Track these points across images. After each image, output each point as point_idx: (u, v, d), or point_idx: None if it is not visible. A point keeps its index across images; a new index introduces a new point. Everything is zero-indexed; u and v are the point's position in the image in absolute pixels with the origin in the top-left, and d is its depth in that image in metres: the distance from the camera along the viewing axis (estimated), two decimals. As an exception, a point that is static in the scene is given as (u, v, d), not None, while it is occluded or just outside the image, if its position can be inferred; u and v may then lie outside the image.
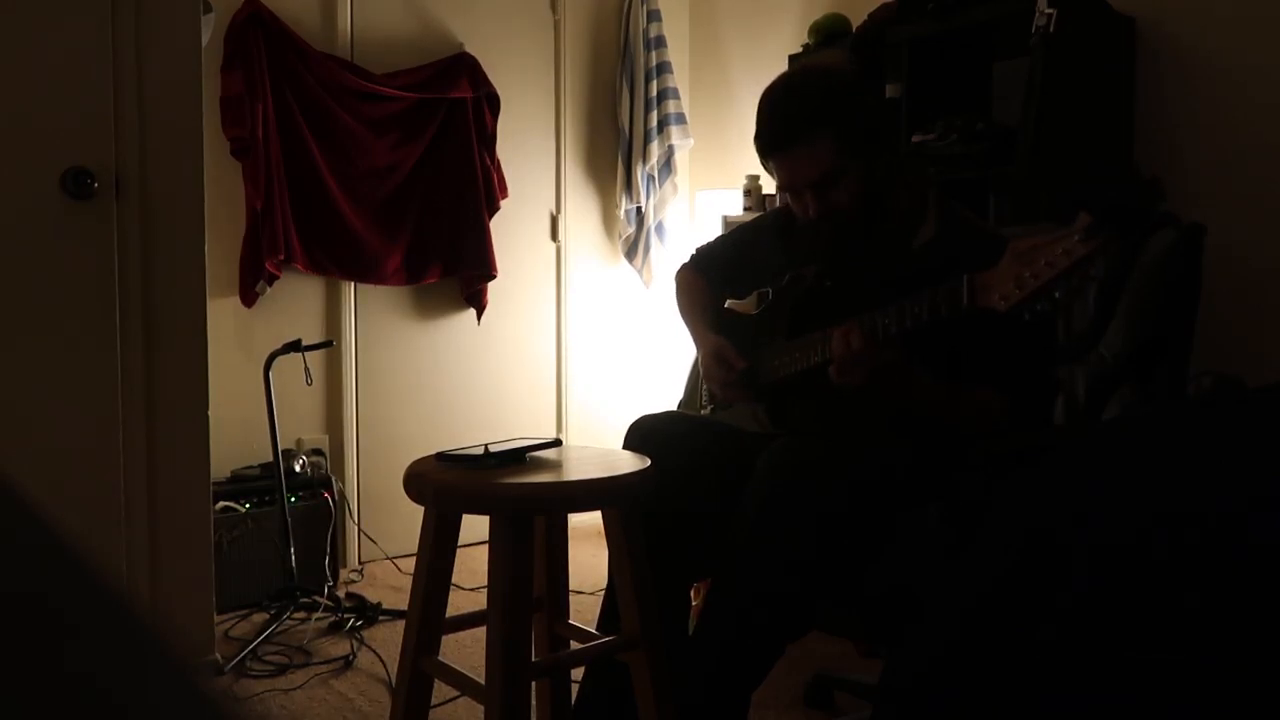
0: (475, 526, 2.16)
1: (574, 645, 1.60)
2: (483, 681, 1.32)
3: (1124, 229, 1.18)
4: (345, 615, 2.60)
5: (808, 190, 1.57)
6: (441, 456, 1.44)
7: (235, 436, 2.95)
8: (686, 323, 1.87)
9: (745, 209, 3.29)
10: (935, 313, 1.35)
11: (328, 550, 2.85)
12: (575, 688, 1.72)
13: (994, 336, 1.45)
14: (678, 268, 1.97)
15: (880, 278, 1.58)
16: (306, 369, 2.88)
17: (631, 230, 3.75)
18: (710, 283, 1.91)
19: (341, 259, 3.15)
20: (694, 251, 1.98)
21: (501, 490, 1.31)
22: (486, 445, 1.45)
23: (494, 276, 3.42)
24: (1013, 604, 0.71)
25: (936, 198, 1.61)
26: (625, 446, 1.64)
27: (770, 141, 1.58)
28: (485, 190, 3.38)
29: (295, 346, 2.69)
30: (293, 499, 2.79)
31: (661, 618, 1.45)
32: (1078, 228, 1.20)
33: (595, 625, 1.68)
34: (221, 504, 2.70)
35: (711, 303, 1.88)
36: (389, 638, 2.49)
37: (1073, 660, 0.65)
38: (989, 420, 1.49)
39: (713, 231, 3.20)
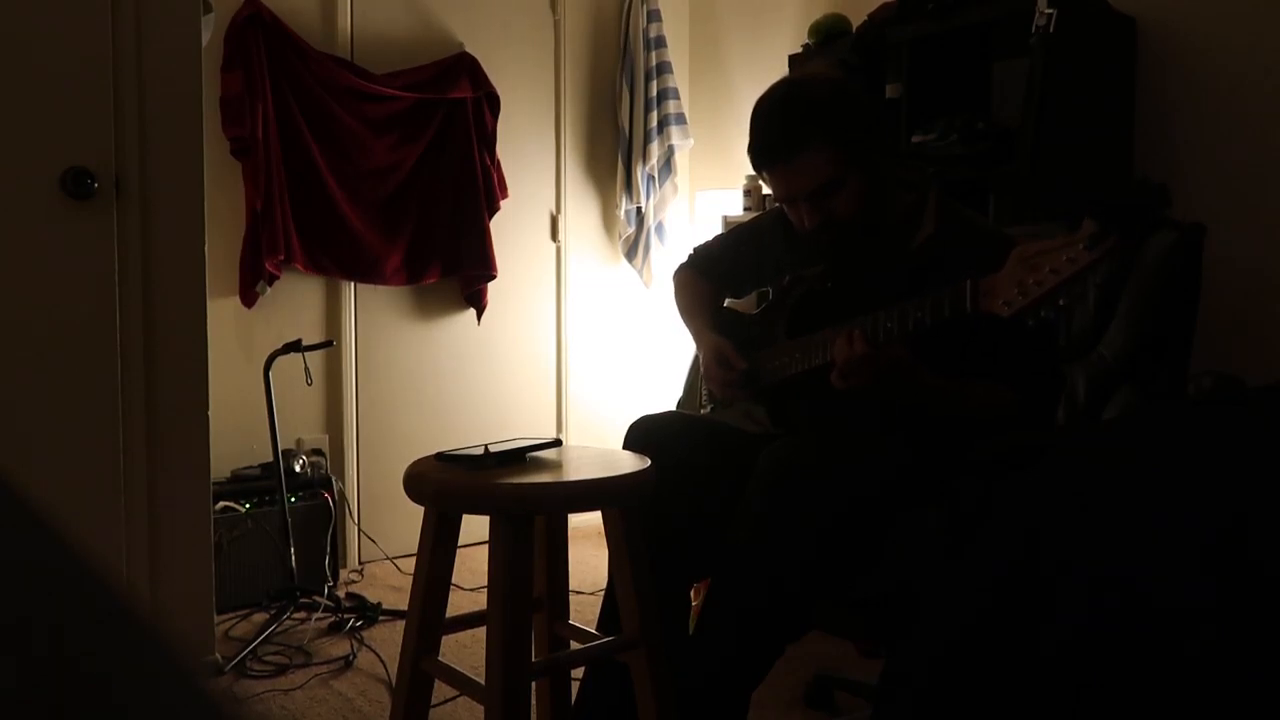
0: (475, 526, 2.15)
1: (574, 645, 1.60)
2: (483, 681, 1.32)
3: (1130, 236, 1.17)
4: (345, 615, 2.60)
5: (804, 202, 1.55)
6: (441, 456, 1.44)
7: (235, 436, 2.95)
8: (686, 322, 1.87)
9: (745, 209, 3.29)
10: (938, 316, 1.34)
11: (328, 550, 2.85)
12: (575, 687, 1.72)
13: (998, 336, 1.44)
14: (676, 268, 1.97)
15: (881, 278, 1.57)
16: (306, 369, 2.88)
17: (631, 230, 3.75)
18: (709, 282, 1.90)
19: (341, 259, 3.15)
20: (691, 251, 1.97)
21: (501, 490, 1.31)
22: (486, 445, 1.45)
23: (494, 276, 3.42)
24: (1012, 605, 0.71)
25: (936, 197, 1.61)
26: (625, 446, 1.64)
27: (764, 155, 1.56)
28: (485, 190, 3.38)
29: (295, 346, 2.69)
30: (293, 499, 2.79)
31: (661, 618, 1.45)
32: (1083, 234, 1.20)
33: (595, 625, 1.68)
34: (221, 504, 2.70)
35: (711, 302, 1.88)
36: (389, 638, 2.49)
37: (1072, 661, 0.65)
38: (996, 415, 1.49)
39: (713, 231, 3.20)
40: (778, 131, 1.53)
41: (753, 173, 3.26)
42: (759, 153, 1.57)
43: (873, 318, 1.42)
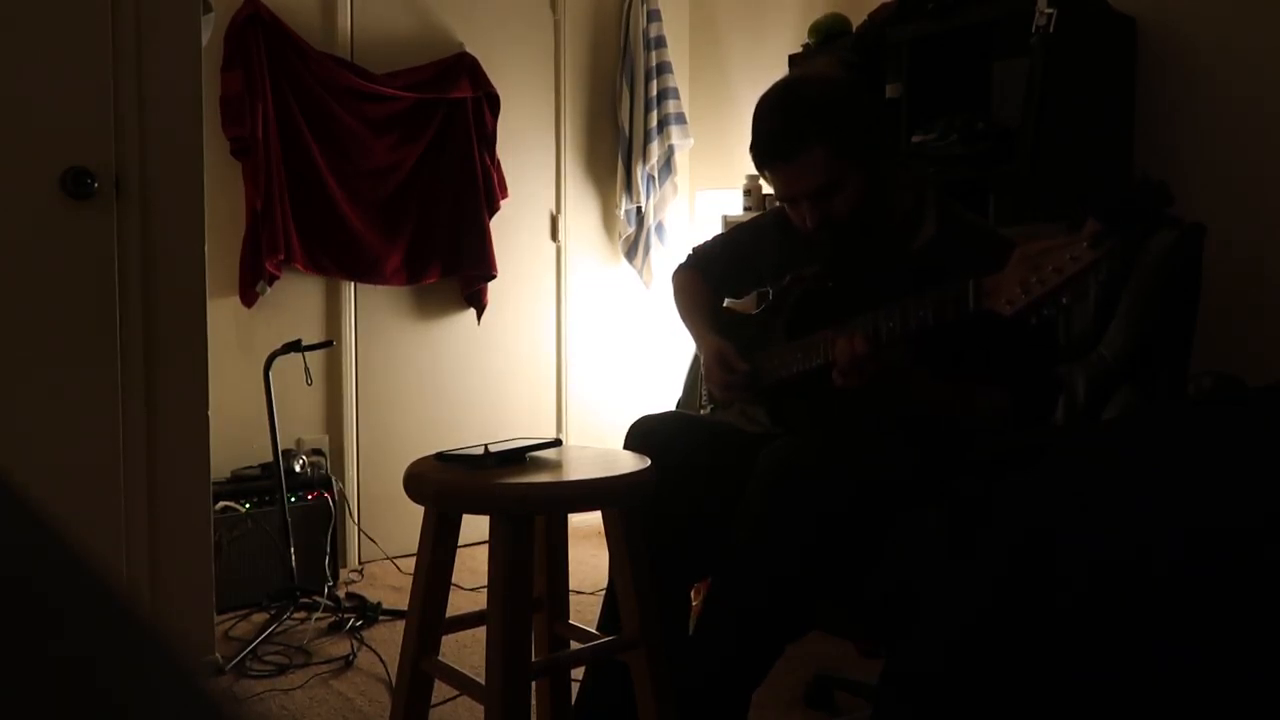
0: (475, 526, 2.16)
1: (574, 645, 1.60)
2: (483, 681, 1.32)
3: (1132, 235, 1.18)
4: (345, 615, 2.60)
5: (805, 201, 1.55)
6: (441, 456, 1.44)
7: (235, 436, 2.95)
8: (687, 323, 1.87)
9: (745, 209, 3.29)
10: (940, 315, 1.34)
11: (328, 550, 2.85)
12: (575, 688, 1.72)
13: (998, 336, 1.45)
14: (675, 268, 1.97)
15: (881, 279, 1.57)
16: (306, 369, 2.88)
17: (631, 230, 3.75)
18: (708, 283, 1.90)
19: (341, 259, 3.15)
20: (691, 252, 1.97)
21: (501, 490, 1.31)
22: (486, 445, 1.45)
23: (494, 276, 3.42)
24: (1013, 605, 0.71)
25: (936, 198, 1.61)
26: (625, 447, 1.64)
27: (766, 153, 1.56)
28: (485, 190, 3.38)
29: (295, 346, 2.69)
30: (293, 499, 2.79)
31: (661, 618, 1.45)
32: (1086, 234, 1.20)
33: (595, 625, 1.68)
34: (221, 504, 2.70)
35: (711, 303, 1.88)
36: (389, 638, 2.49)
37: (1071, 660, 0.65)
38: (990, 418, 1.49)
39: (713, 231, 3.20)
40: (780, 131, 1.53)
41: (753, 172, 3.27)
42: (760, 152, 1.57)
43: (874, 317, 1.42)
